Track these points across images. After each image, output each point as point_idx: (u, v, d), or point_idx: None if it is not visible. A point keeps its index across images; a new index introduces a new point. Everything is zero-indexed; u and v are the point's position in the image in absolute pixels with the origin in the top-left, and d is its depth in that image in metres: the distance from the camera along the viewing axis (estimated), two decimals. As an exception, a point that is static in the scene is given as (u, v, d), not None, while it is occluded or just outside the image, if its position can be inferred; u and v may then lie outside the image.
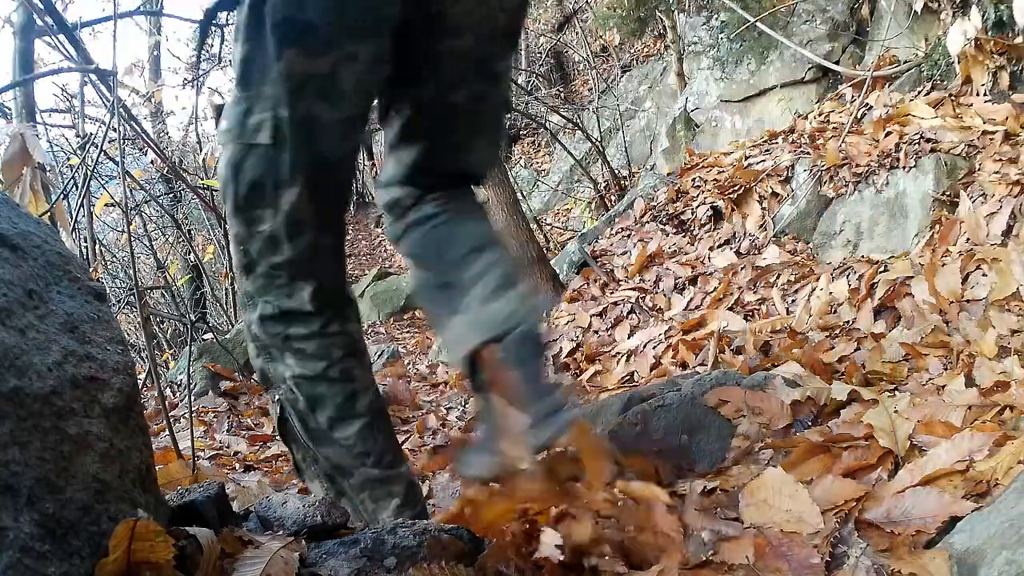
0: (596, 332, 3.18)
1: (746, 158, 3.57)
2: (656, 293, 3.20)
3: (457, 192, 1.15)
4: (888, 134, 2.92)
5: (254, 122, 0.94)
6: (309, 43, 0.90)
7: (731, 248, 3.22)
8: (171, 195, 7.24)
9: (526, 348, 0.95)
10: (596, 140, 6.36)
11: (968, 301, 2.09)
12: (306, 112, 0.93)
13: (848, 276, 2.55)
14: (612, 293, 3.38)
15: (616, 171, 6.44)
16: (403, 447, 2.04)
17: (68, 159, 4.37)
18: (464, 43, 1.03)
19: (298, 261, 1.00)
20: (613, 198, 6.03)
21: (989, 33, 2.76)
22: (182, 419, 2.58)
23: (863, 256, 2.72)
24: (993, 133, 2.61)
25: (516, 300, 1.00)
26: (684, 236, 3.52)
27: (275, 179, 0.96)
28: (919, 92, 3.15)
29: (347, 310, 1.10)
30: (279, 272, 1.01)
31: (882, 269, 2.45)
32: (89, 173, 1.96)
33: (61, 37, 2.21)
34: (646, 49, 8.67)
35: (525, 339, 0.95)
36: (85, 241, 3.02)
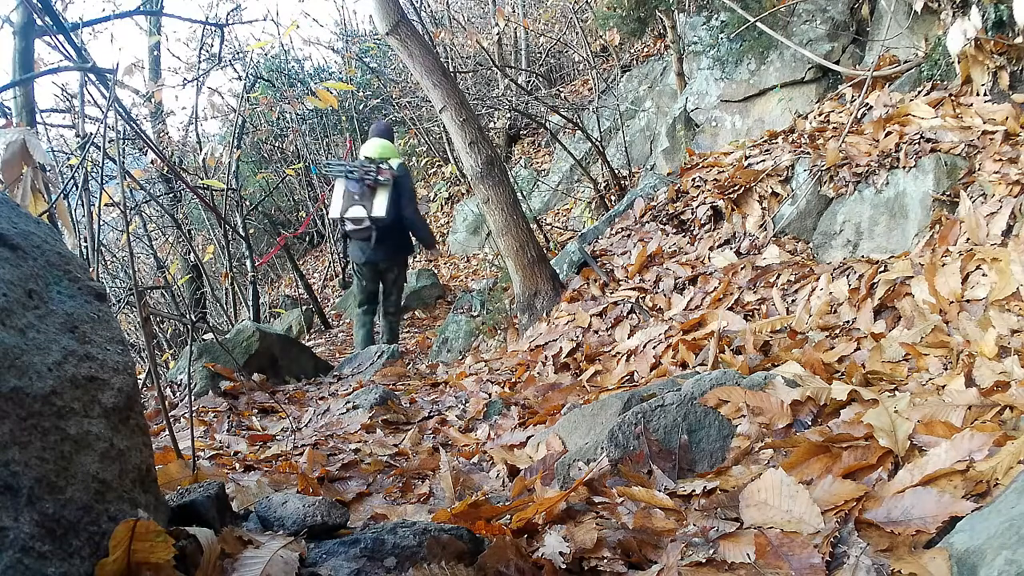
0: (596, 332, 3.18)
1: (746, 158, 3.57)
2: (656, 293, 3.20)
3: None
4: (888, 134, 2.92)
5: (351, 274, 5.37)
6: (356, 272, 4.95)
7: (731, 248, 3.21)
8: (171, 195, 7.24)
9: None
10: (596, 140, 6.36)
11: (968, 301, 2.09)
12: (357, 280, 5.03)
13: (848, 276, 2.55)
14: (612, 293, 3.38)
15: (616, 171, 6.44)
16: (401, 445, 2.05)
17: (68, 159, 4.37)
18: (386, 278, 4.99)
19: (360, 299, 4.99)
20: (613, 198, 6.03)
21: (989, 33, 2.75)
22: (182, 419, 2.58)
23: (863, 256, 2.72)
24: (993, 133, 2.61)
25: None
26: (684, 236, 3.52)
27: (355, 282, 5.08)
28: (919, 92, 3.15)
29: (373, 308, 5.00)
30: (358, 298, 5.06)
31: (882, 269, 2.45)
32: (87, 173, 1.96)
33: (61, 37, 2.21)
34: (646, 49, 8.67)
35: None
36: (85, 241, 3.02)
